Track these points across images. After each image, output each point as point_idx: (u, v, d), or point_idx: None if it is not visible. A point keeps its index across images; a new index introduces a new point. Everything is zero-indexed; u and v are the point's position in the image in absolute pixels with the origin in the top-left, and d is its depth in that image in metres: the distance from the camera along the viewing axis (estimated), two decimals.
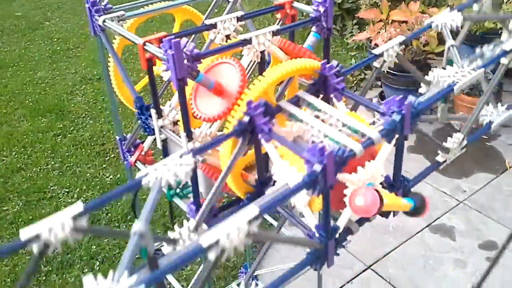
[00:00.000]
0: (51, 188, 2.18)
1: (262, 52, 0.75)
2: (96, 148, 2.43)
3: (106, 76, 1.03)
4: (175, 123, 0.85)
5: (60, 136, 2.54)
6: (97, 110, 2.77)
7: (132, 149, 1.03)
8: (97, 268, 1.79)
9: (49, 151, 2.43)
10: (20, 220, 2.01)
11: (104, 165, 2.30)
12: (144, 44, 0.75)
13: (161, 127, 0.85)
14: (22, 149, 2.45)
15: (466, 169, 2.39)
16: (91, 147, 2.44)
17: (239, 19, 0.84)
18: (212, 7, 1.05)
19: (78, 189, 2.17)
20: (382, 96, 2.85)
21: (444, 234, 2.00)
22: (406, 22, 2.51)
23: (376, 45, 2.67)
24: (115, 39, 0.99)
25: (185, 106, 0.72)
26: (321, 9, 0.83)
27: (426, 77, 0.86)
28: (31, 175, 2.27)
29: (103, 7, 0.91)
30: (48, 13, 4.28)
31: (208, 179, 0.84)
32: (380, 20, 2.59)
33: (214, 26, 0.83)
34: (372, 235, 2.01)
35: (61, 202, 2.10)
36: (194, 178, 0.75)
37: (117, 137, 1.05)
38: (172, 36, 0.72)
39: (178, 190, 0.91)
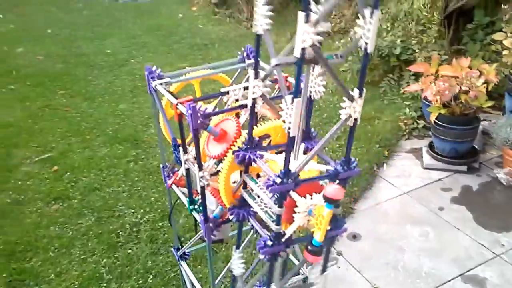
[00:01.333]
0: (120, 207, 2.49)
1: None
2: (161, 175, 2.73)
3: (156, 121, 1.35)
4: (195, 157, 1.13)
5: (132, 163, 2.88)
6: (166, 142, 3.09)
7: (171, 174, 1.32)
8: (150, 281, 2.05)
9: (122, 175, 2.77)
10: (91, 233, 2.33)
11: (166, 191, 2.59)
12: (176, 104, 1.06)
13: (186, 160, 1.16)
14: (99, 171, 2.81)
15: (507, 223, 2.42)
16: (158, 174, 2.75)
17: (245, 88, 1.11)
18: (234, 78, 1.39)
19: (142, 210, 2.46)
20: (431, 146, 2.95)
21: (476, 285, 2.06)
22: (456, 77, 2.63)
23: (426, 98, 2.81)
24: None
25: (197, 146, 1.02)
26: None
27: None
28: (104, 195, 2.60)
29: (157, 74, 1.22)
30: (133, 52, 4.79)
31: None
32: (431, 74, 2.73)
33: (227, 93, 1.12)
34: (405, 280, 2.10)
35: (127, 220, 2.40)
36: (203, 197, 1.05)
37: (161, 166, 1.35)
38: (192, 101, 1.01)
39: (196, 206, 1.20)
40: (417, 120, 3.24)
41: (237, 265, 1.06)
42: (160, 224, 2.37)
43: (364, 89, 0.85)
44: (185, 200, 1.24)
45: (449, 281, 2.08)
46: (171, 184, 1.31)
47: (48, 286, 2.05)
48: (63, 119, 3.43)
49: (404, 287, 2.07)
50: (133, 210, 2.47)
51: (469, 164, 2.82)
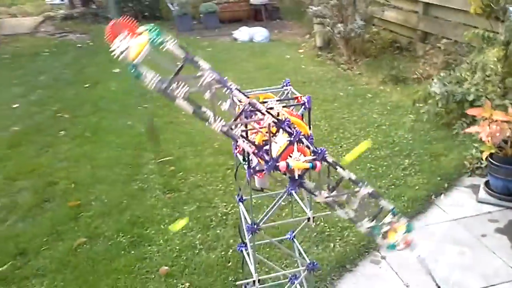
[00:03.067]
0: (215, 201, 3.23)
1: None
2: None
3: None
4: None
5: (229, 170, 3.62)
6: None
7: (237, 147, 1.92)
8: (229, 254, 2.71)
9: (220, 178, 3.51)
10: (192, 216, 3.07)
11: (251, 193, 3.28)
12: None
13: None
14: (204, 174, 3.59)
15: None
16: None
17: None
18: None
19: (231, 205, 3.16)
20: (487, 184, 3.29)
21: None
22: (507, 121, 3.00)
23: (481, 139, 3.20)
24: None
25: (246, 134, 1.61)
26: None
27: None
28: (205, 191, 3.36)
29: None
30: (243, 85, 5.64)
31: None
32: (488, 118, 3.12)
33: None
34: (434, 285, 2.52)
35: (219, 210, 3.12)
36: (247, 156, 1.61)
37: (232, 143, 1.95)
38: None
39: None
40: (482, 160, 3.58)
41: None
42: None
43: None
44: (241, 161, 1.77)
45: None
46: (236, 153, 1.82)
47: (157, 247, 2.81)
48: (182, 133, 4.31)
49: None
50: (225, 204, 3.19)
51: None
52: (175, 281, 2.53)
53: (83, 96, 5.56)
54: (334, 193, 1.48)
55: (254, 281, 1.74)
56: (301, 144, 1.45)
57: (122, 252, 2.78)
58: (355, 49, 6.30)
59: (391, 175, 3.47)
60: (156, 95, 4.57)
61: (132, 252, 2.78)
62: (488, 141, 3.05)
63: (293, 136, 1.41)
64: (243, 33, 8.01)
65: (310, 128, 1.62)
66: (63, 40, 8.95)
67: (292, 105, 1.69)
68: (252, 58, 6.74)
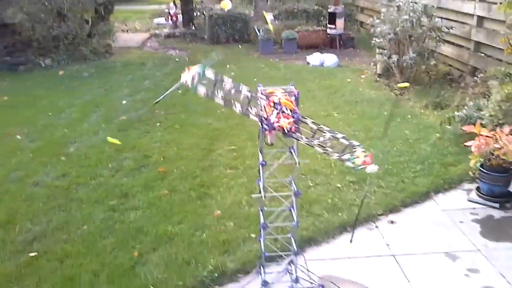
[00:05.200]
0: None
1: None
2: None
3: None
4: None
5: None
6: None
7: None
8: None
9: None
10: (244, 185, 4.18)
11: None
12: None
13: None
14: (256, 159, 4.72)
15: (498, 236, 3.49)
16: None
17: None
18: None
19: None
20: (478, 188, 4.08)
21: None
22: (491, 137, 3.82)
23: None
24: None
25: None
26: None
27: None
28: (255, 171, 4.47)
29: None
30: (304, 99, 6.72)
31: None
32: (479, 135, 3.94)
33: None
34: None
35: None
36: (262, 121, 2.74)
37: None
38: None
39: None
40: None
41: None
42: None
43: None
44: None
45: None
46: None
47: (215, 201, 3.96)
48: (246, 131, 5.48)
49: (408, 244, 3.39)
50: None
51: (501, 203, 3.90)
52: (223, 220, 3.66)
53: (176, 99, 6.93)
54: (312, 139, 2.50)
55: (262, 196, 2.74)
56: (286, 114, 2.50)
57: (191, 201, 3.97)
58: (409, 78, 7.15)
59: (402, 175, 4.37)
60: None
61: (198, 202, 3.96)
62: (475, 152, 3.89)
63: (279, 110, 2.46)
64: (315, 58, 9.13)
65: (298, 107, 2.62)
66: (164, 54, 10.64)
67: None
68: (318, 79, 7.82)
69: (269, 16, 10.69)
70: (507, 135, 3.85)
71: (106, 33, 10.71)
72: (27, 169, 4.63)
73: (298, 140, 2.47)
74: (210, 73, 2.52)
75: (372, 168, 2.23)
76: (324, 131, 2.42)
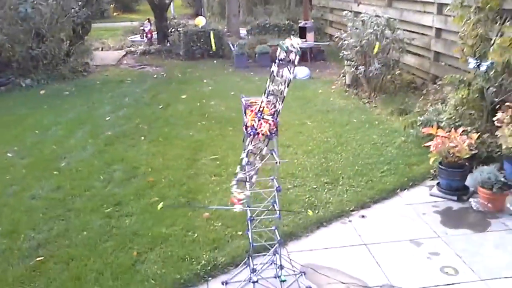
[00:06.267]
0: None
1: None
2: None
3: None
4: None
5: None
6: None
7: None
8: None
9: None
10: (229, 190, 4.56)
11: None
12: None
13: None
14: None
15: (456, 224, 3.96)
16: None
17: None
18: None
19: None
20: (439, 183, 4.55)
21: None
22: (447, 137, 4.30)
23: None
24: None
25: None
26: None
27: None
28: None
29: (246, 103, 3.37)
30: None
31: None
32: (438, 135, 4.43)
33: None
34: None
35: None
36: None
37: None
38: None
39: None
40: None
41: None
42: None
43: None
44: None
45: None
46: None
47: (203, 205, 4.32)
48: (227, 141, 5.87)
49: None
50: None
51: (459, 195, 4.37)
52: (212, 221, 4.03)
53: (158, 114, 7.30)
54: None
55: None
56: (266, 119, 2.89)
57: (182, 206, 4.32)
58: (376, 87, 7.68)
59: (371, 174, 4.83)
60: (212, 115, 6.37)
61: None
62: (434, 151, 4.37)
63: (259, 117, 2.85)
64: (287, 71, 9.59)
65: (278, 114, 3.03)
66: (141, 71, 10.96)
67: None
68: (291, 91, 8.20)
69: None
70: (460, 135, 4.35)
71: (84, 52, 11.00)
72: (22, 183, 4.90)
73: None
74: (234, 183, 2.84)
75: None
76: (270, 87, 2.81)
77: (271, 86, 2.85)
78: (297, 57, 2.73)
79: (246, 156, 2.86)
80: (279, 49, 2.77)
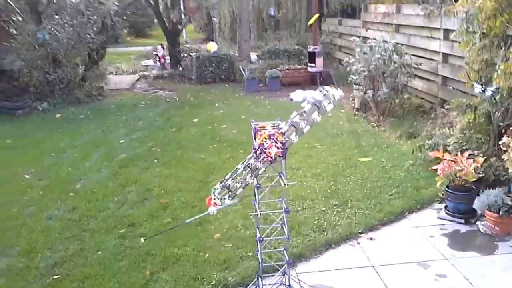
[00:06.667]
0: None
1: None
2: None
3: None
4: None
5: None
6: None
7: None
8: None
9: None
10: (238, 212, 4.66)
11: None
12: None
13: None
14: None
15: (463, 247, 4.00)
16: None
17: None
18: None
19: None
20: (446, 206, 4.61)
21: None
22: (454, 161, 4.39)
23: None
24: None
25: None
26: None
27: None
28: (250, 199, 4.97)
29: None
30: None
31: None
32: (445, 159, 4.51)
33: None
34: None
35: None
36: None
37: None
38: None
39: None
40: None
41: None
42: None
43: None
44: None
45: None
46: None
47: (214, 225, 4.41)
48: (237, 164, 5.97)
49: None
50: None
51: (466, 219, 4.43)
52: (222, 242, 4.13)
53: (170, 137, 7.47)
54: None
55: (258, 214, 3.20)
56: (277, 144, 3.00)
57: (192, 227, 4.43)
58: (384, 111, 7.80)
59: (379, 197, 4.91)
60: (224, 138, 6.51)
61: (199, 227, 4.42)
62: (440, 174, 4.45)
63: (272, 141, 2.96)
64: (298, 94, 9.79)
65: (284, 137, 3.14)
66: (155, 95, 11.22)
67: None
68: None
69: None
70: (467, 158, 4.43)
71: (99, 76, 11.30)
72: (39, 204, 5.05)
73: (292, 142, 2.95)
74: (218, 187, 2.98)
75: (338, 93, 2.91)
76: (294, 118, 2.92)
77: (296, 118, 2.95)
78: (331, 106, 2.90)
79: (243, 168, 2.95)
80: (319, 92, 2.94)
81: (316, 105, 2.93)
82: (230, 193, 2.93)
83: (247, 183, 2.94)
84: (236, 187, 2.95)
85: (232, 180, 2.96)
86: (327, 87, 2.98)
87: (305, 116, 2.94)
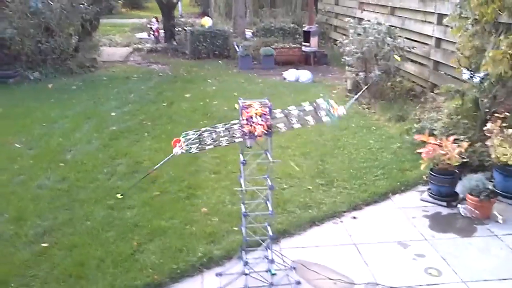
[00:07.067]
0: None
1: None
2: None
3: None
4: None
5: None
6: None
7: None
8: None
9: None
10: (225, 188, 4.74)
11: None
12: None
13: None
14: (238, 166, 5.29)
15: (444, 228, 4.12)
16: None
17: None
18: None
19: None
20: (429, 189, 4.72)
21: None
22: (439, 145, 4.48)
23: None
24: None
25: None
26: None
27: None
28: (237, 174, 5.03)
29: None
30: None
31: None
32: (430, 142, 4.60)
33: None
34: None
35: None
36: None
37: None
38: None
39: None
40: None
41: None
42: None
43: None
44: None
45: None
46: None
47: (202, 200, 4.49)
48: None
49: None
50: (248, 182, 4.85)
51: (448, 201, 4.54)
52: (209, 216, 4.22)
53: (162, 111, 7.49)
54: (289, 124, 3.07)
55: (243, 190, 3.28)
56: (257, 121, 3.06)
57: (180, 201, 4.51)
58: (376, 93, 7.85)
59: (365, 178, 5.00)
60: (215, 114, 6.55)
61: (186, 201, 4.51)
62: (425, 158, 4.55)
63: (250, 123, 3.01)
64: (291, 74, 9.80)
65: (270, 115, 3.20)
66: (148, 68, 11.17)
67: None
68: (293, 94, 8.47)
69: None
70: (452, 143, 4.52)
71: (92, 47, 11.21)
72: (29, 173, 5.10)
73: (280, 130, 3.03)
74: (192, 134, 3.05)
75: (342, 110, 3.15)
76: (292, 111, 3.03)
77: (295, 111, 3.10)
78: (328, 119, 3.10)
79: (224, 129, 3.05)
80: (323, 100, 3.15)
81: (315, 111, 3.09)
82: (200, 145, 2.98)
83: (220, 144, 3.02)
84: (207, 142, 3.00)
85: (208, 134, 3.02)
86: (332, 102, 3.16)
87: (301, 114, 3.08)
